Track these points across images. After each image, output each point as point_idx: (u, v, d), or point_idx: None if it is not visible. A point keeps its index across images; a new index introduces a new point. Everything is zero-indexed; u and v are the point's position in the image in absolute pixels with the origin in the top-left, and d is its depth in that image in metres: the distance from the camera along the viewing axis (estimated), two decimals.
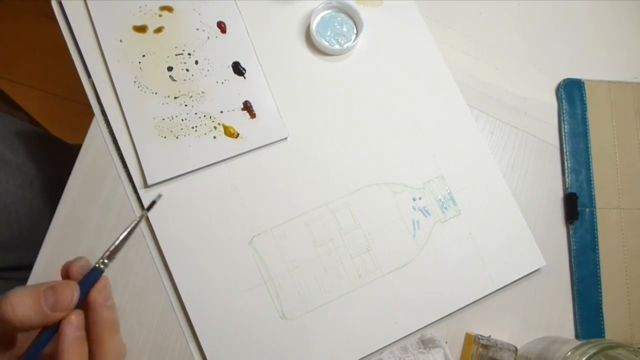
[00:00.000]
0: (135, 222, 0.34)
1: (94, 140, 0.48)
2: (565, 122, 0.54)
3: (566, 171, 0.53)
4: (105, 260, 0.33)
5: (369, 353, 0.46)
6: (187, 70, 0.49)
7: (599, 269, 0.51)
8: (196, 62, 0.50)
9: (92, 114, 0.48)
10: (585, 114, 0.54)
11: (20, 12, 1.25)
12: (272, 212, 0.48)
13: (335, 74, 0.52)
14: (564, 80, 0.55)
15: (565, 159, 0.53)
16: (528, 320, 0.50)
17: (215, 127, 0.48)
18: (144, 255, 0.47)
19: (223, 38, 0.50)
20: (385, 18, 0.53)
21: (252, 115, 0.49)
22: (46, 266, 0.45)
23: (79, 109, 1.21)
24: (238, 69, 0.50)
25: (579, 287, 0.50)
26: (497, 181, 0.51)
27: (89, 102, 0.48)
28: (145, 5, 0.50)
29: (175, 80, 0.49)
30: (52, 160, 0.65)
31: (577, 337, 0.50)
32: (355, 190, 0.50)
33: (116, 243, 0.33)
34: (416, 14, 0.54)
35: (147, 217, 0.46)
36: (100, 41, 0.48)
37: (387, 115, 0.51)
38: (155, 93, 0.48)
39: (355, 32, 0.52)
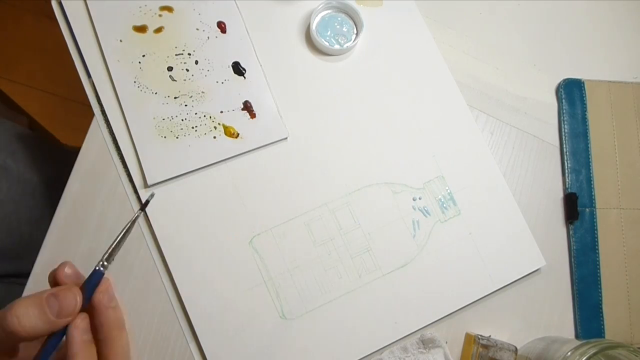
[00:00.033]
0: (131, 222, 0.34)
1: (94, 140, 0.48)
2: (565, 122, 0.54)
3: (566, 171, 0.53)
4: (105, 263, 0.33)
5: (369, 353, 0.46)
6: (187, 70, 0.49)
7: (599, 269, 0.51)
8: (196, 62, 0.50)
9: (92, 114, 0.48)
10: (585, 114, 0.54)
11: (20, 12, 1.25)
12: (272, 212, 0.48)
13: (335, 74, 0.52)
14: (564, 80, 0.55)
15: (565, 159, 0.53)
16: (528, 320, 0.50)
17: (215, 127, 0.48)
18: (144, 255, 0.47)
19: (223, 38, 0.50)
20: (385, 18, 0.53)
21: (252, 115, 0.49)
22: (46, 266, 0.45)
23: (79, 109, 1.21)
24: (238, 69, 0.50)
25: (579, 287, 0.50)
26: (497, 181, 0.51)
27: (89, 102, 0.48)
28: (145, 5, 0.50)
29: (175, 80, 0.49)
30: (53, 167, 0.65)
31: (577, 337, 0.50)
32: (355, 190, 0.50)
33: (113, 245, 0.33)
34: (416, 14, 0.54)
35: (147, 217, 0.46)
36: (100, 41, 0.48)
37: (387, 115, 0.51)
38: (155, 93, 0.48)
39: (355, 32, 0.52)
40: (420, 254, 0.49)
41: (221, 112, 0.49)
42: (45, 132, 1.06)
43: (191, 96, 0.49)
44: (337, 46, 0.51)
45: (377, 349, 0.47)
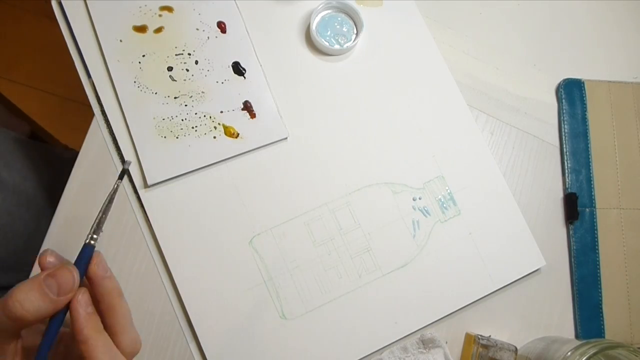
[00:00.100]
0: (112, 192, 0.35)
1: (94, 140, 0.48)
2: (565, 122, 0.54)
3: (566, 171, 0.53)
4: (94, 236, 0.33)
5: (369, 353, 0.46)
6: (187, 70, 0.49)
7: (599, 269, 0.51)
8: (196, 62, 0.50)
9: (92, 114, 0.48)
10: (585, 114, 0.54)
11: (20, 12, 1.25)
12: (272, 212, 0.48)
13: (335, 74, 0.52)
14: (564, 80, 0.55)
15: (565, 159, 0.53)
16: (528, 320, 0.50)
17: (215, 127, 0.48)
18: (144, 255, 0.47)
19: (223, 38, 0.50)
20: (385, 18, 0.53)
21: (252, 115, 0.49)
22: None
23: (79, 109, 1.21)
24: (238, 69, 0.50)
25: (579, 287, 0.50)
26: (497, 181, 0.51)
27: (89, 102, 0.48)
28: (145, 5, 0.50)
29: (175, 80, 0.49)
30: (49, 177, 0.64)
31: (577, 337, 0.50)
32: (355, 190, 0.50)
33: (99, 217, 0.34)
34: (416, 14, 0.54)
35: (147, 217, 0.46)
36: (100, 41, 0.48)
37: (387, 115, 0.51)
38: (155, 93, 0.48)
39: (355, 32, 0.52)
40: (420, 254, 0.49)
41: (221, 112, 0.49)
42: (46, 134, 1.06)
43: (191, 96, 0.49)
44: (337, 46, 0.51)
45: (377, 349, 0.47)
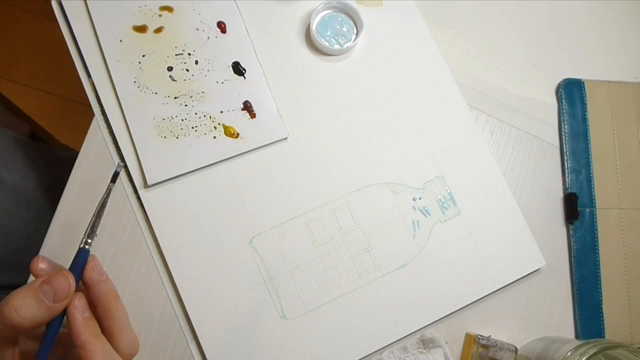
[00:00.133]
0: (105, 196, 0.35)
1: (94, 140, 0.48)
2: (565, 122, 0.54)
3: (566, 171, 0.53)
4: (89, 240, 0.33)
5: (369, 353, 0.46)
6: (187, 70, 0.49)
7: (599, 269, 0.51)
8: (196, 62, 0.50)
9: (92, 114, 0.48)
10: (585, 114, 0.54)
11: (20, 12, 1.25)
12: (272, 212, 0.48)
13: (335, 74, 0.52)
14: (564, 80, 0.55)
15: (565, 159, 0.53)
16: (528, 320, 0.50)
17: (215, 127, 0.48)
18: (144, 255, 0.47)
19: (223, 38, 0.50)
20: (385, 18, 0.53)
21: (252, 115, 0.49)
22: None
23: (79, 109, 1.21)
24: (238, 69, 0.50)
25: (579, 287, 0.50)
26: (497, 181, 0.51)
27: (89, 102, 0.48)
28: (145, 5, 0.50)
29: (175, 80, 0.49)
30: (49, 177, 0.64)
31: (577, 337, 0.50)
32: (355, 190, 0.50)
33: (92, 222, 0.34)
34: (416, 14, 0.54)
35: (147, 217, 0.46)
36: (100, 41, 0.48)
37: (387, 115, 0.51)
38: (155, 93, 0.48)
39: (355, 32, 0.52)
40: (420, 254, 0.49)
41: (221, 112, 0.49)
42: (46, 134, 1.06)
43: (191, 96, 0.49)
44: (337, 46, 0.51)
45: (377, 349, 0.47)
